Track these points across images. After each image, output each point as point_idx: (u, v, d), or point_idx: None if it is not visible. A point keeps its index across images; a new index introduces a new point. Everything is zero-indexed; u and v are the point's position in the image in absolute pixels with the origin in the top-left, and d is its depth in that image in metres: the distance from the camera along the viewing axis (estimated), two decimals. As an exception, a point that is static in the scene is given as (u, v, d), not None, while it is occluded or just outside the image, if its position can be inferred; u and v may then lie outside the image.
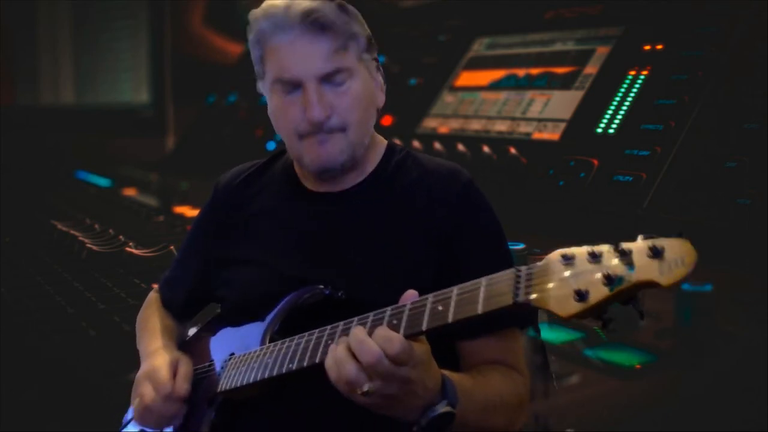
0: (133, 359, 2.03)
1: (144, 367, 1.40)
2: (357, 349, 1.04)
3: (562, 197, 2.52)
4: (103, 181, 4.98)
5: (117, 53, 6.69)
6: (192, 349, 1.43)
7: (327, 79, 1.26)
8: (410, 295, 1.09)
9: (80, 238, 3.09)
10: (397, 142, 1.58)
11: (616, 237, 0.95)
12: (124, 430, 1.43)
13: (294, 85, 1.27)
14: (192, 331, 1.57)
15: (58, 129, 6.58)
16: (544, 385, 1.42)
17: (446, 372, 1.12)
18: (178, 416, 1.32)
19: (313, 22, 1.23)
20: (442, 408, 1.07)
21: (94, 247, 2.97)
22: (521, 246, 2.05)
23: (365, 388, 1.04)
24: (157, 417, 1.33)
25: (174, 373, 1.34)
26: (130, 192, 4.45)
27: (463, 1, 3.75)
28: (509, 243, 1.40)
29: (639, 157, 2.41)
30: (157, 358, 1.39)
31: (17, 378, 2.15)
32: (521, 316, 1.29)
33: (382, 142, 1.40)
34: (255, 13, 1.29)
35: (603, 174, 2.47)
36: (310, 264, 1.31)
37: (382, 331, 1.05)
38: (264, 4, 1.29)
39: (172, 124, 5.76)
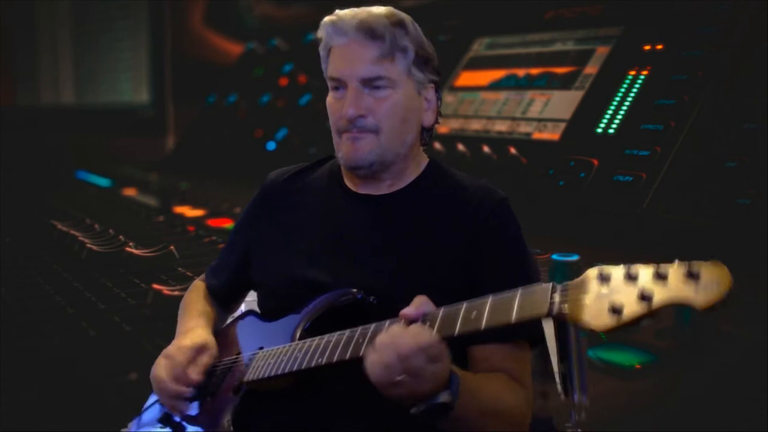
0: (133, 359, 2.03)
1: (172, 343, 1.45)
2: (398, 335, 1.10)
3: (562, 197, 2.52)
4: (103, 181, 4.99)
5: (117, 53, 6.70)
6: (222, 339, 1.48)
7: (368, 83, 1.34)
8: (421, 301, 1.13)
9: (80, 238, 3.09)
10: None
11: (616, 237, 0.96)
12: (144, 416, 1.48)
13: (341, 84, 1.37)
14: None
15: (58, 129, 6.59)
16: (543, 386, 1.42)
17: (455, 368, 1.15)
18: (181, 398, 1.38)
19: (366, 30, 1.34)
20: (443, 398, 1.11)
21: (94, 247, 2.97)
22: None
23: (398, 378, 1.08)
24: (163, 393, 1.39)
25: (193, 359, 1.39)
26: (130, 192, 4.45)
27: (463, 1, 3.75)
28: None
29: (639, 157, 2.41)
30: (186, 339, 1.44)
31: (17, 378, 2.14)
32: (534, 331, 1.31)
33: (426, 159, 1.47)
34: (325, 20, 1.40)
35: (603, 174, 2.47)
36: (341, 259, 1.37)
37: (420, 327, 1.11)
38: (335, 12, 1.40)
39: (172, 124, 5.76)
